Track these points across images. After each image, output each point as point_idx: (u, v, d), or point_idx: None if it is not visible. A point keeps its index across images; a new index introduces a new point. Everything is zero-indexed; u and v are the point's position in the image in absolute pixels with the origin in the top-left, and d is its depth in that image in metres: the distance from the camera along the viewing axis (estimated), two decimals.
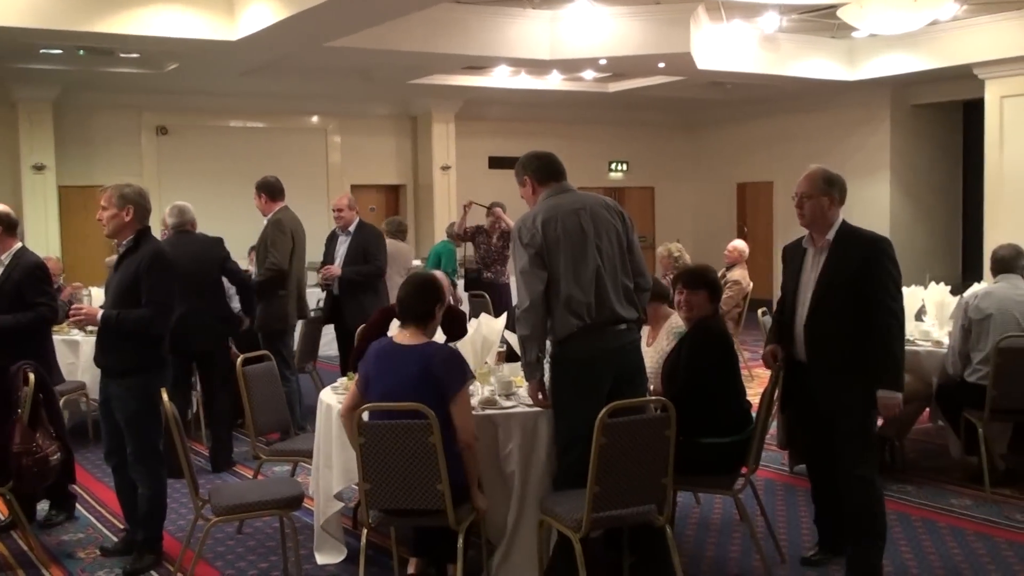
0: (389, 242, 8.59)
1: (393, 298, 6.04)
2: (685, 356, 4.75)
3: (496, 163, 17.08)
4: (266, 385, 5.52)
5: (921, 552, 5.04)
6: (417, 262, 11.75)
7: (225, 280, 7.03)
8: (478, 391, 4.80)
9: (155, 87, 13.81)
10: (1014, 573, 4.74)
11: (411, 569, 4.55)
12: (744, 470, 4.73)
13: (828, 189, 4.43)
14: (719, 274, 8.42)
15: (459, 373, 4.17)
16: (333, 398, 4.89)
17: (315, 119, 16.08)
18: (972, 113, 15.00)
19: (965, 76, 13.55)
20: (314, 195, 15.38)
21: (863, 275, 4.30)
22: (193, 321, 6.49)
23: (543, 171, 4.56)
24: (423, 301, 4.32)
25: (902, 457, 6.66)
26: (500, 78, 14.62)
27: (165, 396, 4.42)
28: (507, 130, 16.99)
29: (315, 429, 5.06)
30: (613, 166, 18.46)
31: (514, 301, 8.97)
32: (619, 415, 3.92)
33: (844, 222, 4.47)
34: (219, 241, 7.02)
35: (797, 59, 13.80)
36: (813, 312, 4.43)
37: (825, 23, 12.78)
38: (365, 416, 4.05)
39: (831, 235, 4.44)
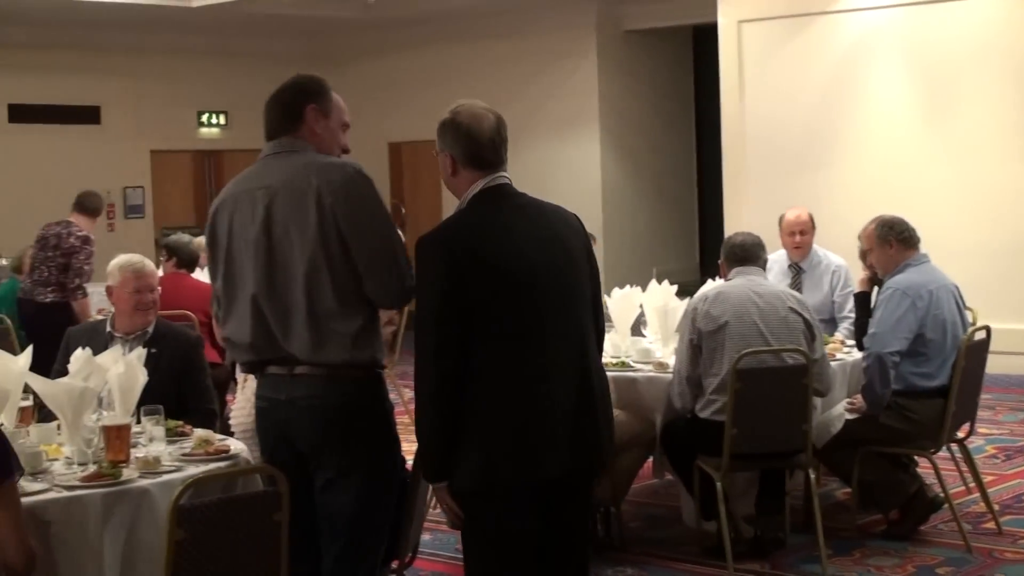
0: None
1: None
2: None
3: (20, 114, 16.48)
4: None
5: None
6: None
7: None
8: None
9: None
10: None
11: None
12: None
13: None
14: None
15: None
16: None
17: None
18: (704, 43, 15.96)
19: None
20: None
21: None
22: None
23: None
24: None
25: (620, 528, 6.88)
26: None
27: None
28: (37, 64, 16.40)
29: None
30: (204, 119, 18.24)
31: None
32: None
33: None
34: None
35: None
36: None
37: None
38: None
39: None
